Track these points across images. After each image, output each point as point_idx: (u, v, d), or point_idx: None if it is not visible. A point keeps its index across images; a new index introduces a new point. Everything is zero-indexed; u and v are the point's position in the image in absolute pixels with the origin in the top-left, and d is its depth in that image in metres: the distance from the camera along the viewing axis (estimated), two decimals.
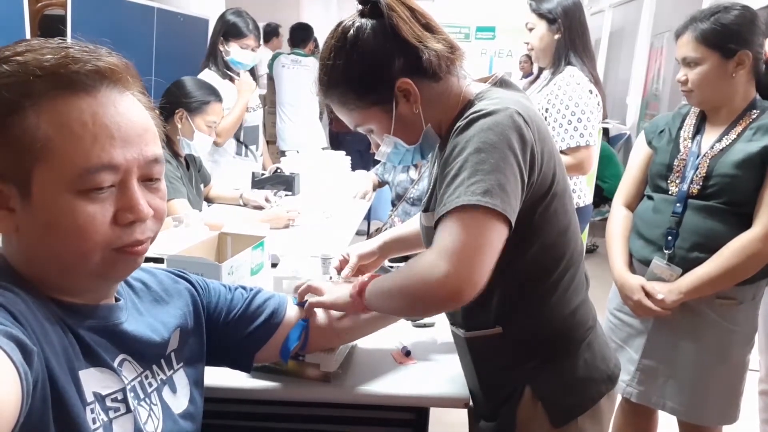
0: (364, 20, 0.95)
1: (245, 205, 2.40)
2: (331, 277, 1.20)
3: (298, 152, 2.98)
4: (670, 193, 1.52)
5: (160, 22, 3.37)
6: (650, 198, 1.59)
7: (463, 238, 0.80)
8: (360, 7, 0.97)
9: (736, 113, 1.48)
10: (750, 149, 1.40)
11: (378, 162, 2.67)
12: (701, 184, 1.45)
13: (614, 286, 1.66)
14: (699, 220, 1.46)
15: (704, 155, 1.47)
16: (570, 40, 1.99)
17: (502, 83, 1.02)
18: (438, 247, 0.82)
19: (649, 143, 1.63)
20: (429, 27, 0.95)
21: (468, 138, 0.86)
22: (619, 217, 1.67)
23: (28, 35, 2.30)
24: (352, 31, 0.94)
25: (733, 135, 1.46)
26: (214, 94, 2.15)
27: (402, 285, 0.89)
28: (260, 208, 2.34)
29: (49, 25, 2.59)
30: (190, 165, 2.23)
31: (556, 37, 2.00)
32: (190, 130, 2.09)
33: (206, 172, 2.41)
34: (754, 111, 1.46)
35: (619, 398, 1.67)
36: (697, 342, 1.51)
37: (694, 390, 1.53)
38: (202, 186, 2.33)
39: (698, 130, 1.53)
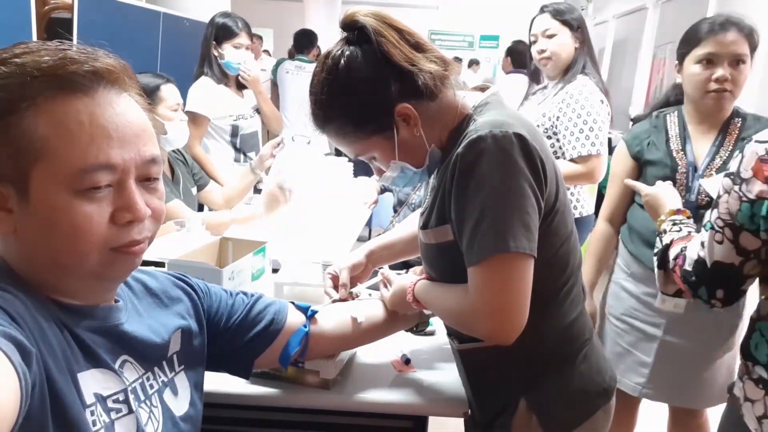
0: (352, 48, 0.92)
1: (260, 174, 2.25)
2: (333, 300, 1.20)
3: (293, 139, 2.89)
4: None
5: (166, 26, 3.39)
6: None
7: (501, 289, 0.86)
8: (345, 33, 0.93)
9: (720, 122, 1.52)
10: None
11: None
12: (710, 198, 1.48)
13: (616, 293, 1.70)
14: None
15: (705, 173, 1.50)
16: (588, 48, 2.03)
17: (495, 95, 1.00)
18: (478, 301, 0.88)
19: (635, 156, 1.63)
20: (419, 46, 0.93)
21: (481, 176, 0.85)
22: (598, 234, 1.72)
23: (34, 38, 2.30)
24: (342, 62, 0.91)
25: (728, 147, 1.49)
26: (160, 76, 1.98)
27: (455, 321, 1.00)
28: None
29: (55, 29, 2.60)
30: (175, 167, 2.10)
31: (577, 45, 2.02)
32: (159, 125, 1.93)
33: (203, 174, 2.28)
34: (737, 119, 1.51)
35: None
36: (707, 338, 1.55)
37: (702, 379, 1.57)
38: (194, 189, 2.20)
39: (684, 140, 1.57)
